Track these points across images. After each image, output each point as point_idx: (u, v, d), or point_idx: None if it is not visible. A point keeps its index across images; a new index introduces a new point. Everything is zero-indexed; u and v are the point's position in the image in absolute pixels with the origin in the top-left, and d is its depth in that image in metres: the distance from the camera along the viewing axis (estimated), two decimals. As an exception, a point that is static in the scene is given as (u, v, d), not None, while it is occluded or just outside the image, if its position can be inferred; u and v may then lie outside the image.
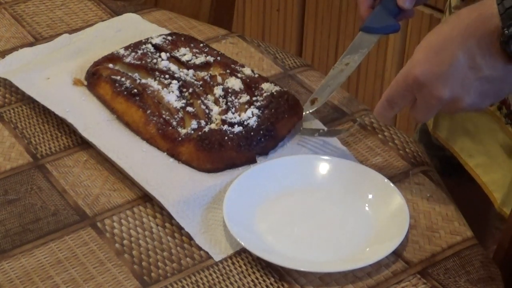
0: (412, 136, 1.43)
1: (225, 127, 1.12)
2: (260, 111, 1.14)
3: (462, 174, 1.34)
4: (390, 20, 1.16)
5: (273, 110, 1.13)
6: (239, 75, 1.22)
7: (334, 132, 1.18)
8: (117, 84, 1.20)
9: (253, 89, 1.19)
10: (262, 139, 1.12)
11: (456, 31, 0.96)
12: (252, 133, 1.11)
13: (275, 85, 1.21)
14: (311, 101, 1.18)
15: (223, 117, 1.13)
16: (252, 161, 1.11)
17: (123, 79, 1.21)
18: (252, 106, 1.14)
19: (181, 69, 1.23)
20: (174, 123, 1.14)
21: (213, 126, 1.14)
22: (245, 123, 1.12)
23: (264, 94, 1.16)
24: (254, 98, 1.16)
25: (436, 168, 1.19)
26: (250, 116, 1.13)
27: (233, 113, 1.14)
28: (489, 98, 1.00)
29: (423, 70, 0.97)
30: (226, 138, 1.10)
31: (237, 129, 1.11)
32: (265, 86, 1.19)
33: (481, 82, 0.97)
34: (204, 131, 1.11)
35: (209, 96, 1.19)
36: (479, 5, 0.97)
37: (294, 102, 1.16)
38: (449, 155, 1.36)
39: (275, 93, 1.16)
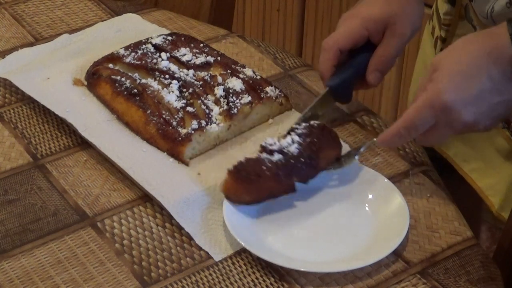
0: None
1: (264, 155, 1.05)
2: (301, 139, 1.07)
3: (453, 172, 1.34)
4: (350, 89, 1.18)
5: (315, 139, 1.08)
6: (240, 75, 1.22)
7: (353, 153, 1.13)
8: (117, 84, 1.20)
9: (258, 91, 1.19)
10: (304, 167, 1.05)
11: (480, 59, 1.00)
12: (292, 160, 1.05)
13: (278, 88, 1.21)
14: None
15: (262, 143, 1.07)
16: (292, 190, 1.05)
17: (123, 79, 1.21)
18: (292, 133, 1.08)
19: (181, 69, 1.23)
20: (174, 123, 1.14)
21: (214, 126, 1.14)
22: (285, 150, 1.06)
23: (303, 125, 1.10)
24: (293, 126, 1.10)
25: None
26: (290, 142, 1.07)
27: (272, 139, 1.07)
28: (501, 119, 1.06)
29: (452, 96, 1.00)
30: (264, 167, 1.04)
31: (276, 156, 1.05)
32: (269, 89, 1.20)
33: (501, 106, 1.01)
34: (241, 161, 1.05)
35: (209, 96, 1.19)
36: (493, 34, 1.01)
37: (335, 136, 1.11)
38: (439, 156, 1.36)
39: (315, 125, 1.10)
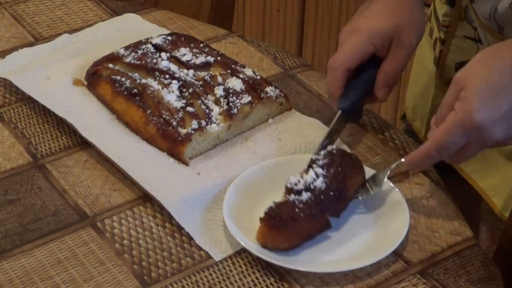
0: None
1: (292, 196, 1.02)
2: (325, 170, 1.05)
3: (453, 172, 1.34)
4: (361, 108, 1.17)
5: (339, 168, 1.05)
6: (240, 75, 1.22)
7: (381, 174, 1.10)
8: (117, 84, 1.20)
9: (258, 91, 1.19)
10: (334, 200, 1.03)
11: (504, 74, 0.99)
12: (322, 196, 1.02)
13: (278, 88, 1.21)
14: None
15: (287, 185, 1.03)
16: (328, 226, 1.02)
17: (123, 79, 1.21)
18: (314, 166, 1.05)
19: (181, 69, 1.23)
20: (174, 123, 1.14)
21: (214, 126, 1.14)
22: (312, 186, 1.03)
23: (322, 153, 1.08)
24: (314, 157, 1.07)
25: None
26: (314, 177, 1.04)
27: (295, 178, 1.04)
28: None
29: (483, 116, 0.98)
30: (296, 210, 1.00)
31: (305, 196, 1.02)
32: (269, 89, 1.20)
33: None
34: (271, 207, 1.01)
35: (209, 96, 1.19)
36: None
37: (357, 160, 1.08)
38: None
39: (335, 152, 1.07)
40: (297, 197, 1.02)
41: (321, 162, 1.06)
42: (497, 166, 1.28)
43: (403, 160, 1.07)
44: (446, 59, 1.31)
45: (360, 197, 1.07)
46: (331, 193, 1.02)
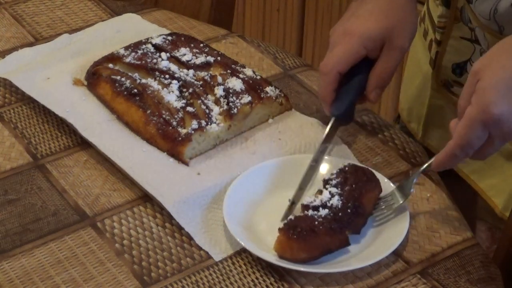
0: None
1: (310, 212, 1.01)
2: (339, 189, 1.04)
3: (453, 172, 1.34)
4: (353, 111, 1.16)
5: (353, 186, 1.04)
6: (240, 75, 1.22)
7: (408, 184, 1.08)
8: (117, 84, 1.20)
9: (258, 91, 1.19)
10: (353, 217, 1.02)
11: None
12: (340, 214, 1.01)
13: (278, 88, 1.21)
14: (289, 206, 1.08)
15: (304, 203, 1.03)
16: (347, 243, 1.01)
17: (123, 79, 1.21)
18: (327, 186, 1.05)
19: (181, 69, 1.23)
20: (174, 123, 1.14)
21: (214, 126, 1.14)
22: (328, 204, 1.02)
23: (335, 172, 1.07)
24: (326, 177, 1.06)
25: None
26: (329, 196, 1.03)
27: (310, 198, 1.04)
28: None
29: (501, 108, 0.96)
30: (316, 223, 1.00)
31: (323, 212, 1.01)
32: (269, 89, 1.20)
33: None
34: (290, 219, 1.01)
35: (209, 96, 1.19)
36: None
37: (370, 174, 1.07)
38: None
39: (347, 168, 1.07)
40: (315, 212, 1.01)
41: (334, 182, 1.05)
42: (497, 166, 1.28)
43: (431, 162, 1.04)
44: (443, 60, 1.31)
45: (386, 211, 1.06)
46: (349, 210, 1.02)
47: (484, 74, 0.97)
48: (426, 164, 1.06)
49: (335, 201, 1.02)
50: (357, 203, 1.02)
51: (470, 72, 1.00)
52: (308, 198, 1.04)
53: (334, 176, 1.06)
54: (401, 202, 1.05)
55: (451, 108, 1.33)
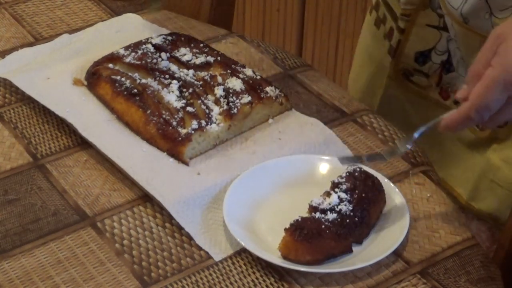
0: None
1: (318, 214, 1.01)
2: (349, 195, 1.03)
3: None
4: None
5: (363, 195, 1.03)
6: (240, 75, 1.22)
7: (374, 157, 1.10)
8: (117, 84, 1.20)
9: (258, 91, 1.19)
10: (358, 226, 1.01)
11: None
12: (347, 220, 1.01)
13: (278, 88, 1.21)
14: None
15: (312, 203, 1.03)
16: (350, 250, 1.01)
17: (123, 79, 1.21)
18: (337, 190, 1.04)
19: (181, 69, 1.23)
20: (174, 123, 1.14)
21: (214, 126, 1.14)
22: (337, 208, 1.01)
23: (344, 175, 1.06)
24: (336, 181, 1.05)
25: None
26: (338, 201, 1.02)
27: (318, 199, 1.03)
28: None
29: None
30: (323, 226, 0.99)
31: (330, 216, 1.00)
32: (269, 89, 1.20)
33: None
34: (297, 219, 1.00)
35: (209, 96, 1.19)
36: None
37: (379, 184, 1.07)
38: None
39: (356, 174, 1.06)
40: (322, 215, 1.01)
41: (344, 186, 1.04)
42: (458, 155, 1.26)
43: (440, 118, 1.00)
44: (405, 48, 1.29)
45: (386, 158, 1.06)
46: (356, 218, 1.01)
47: (508, 37, 0.95)
48: (433, 121, 1.01)
49: (344, 207, 1.01)
50: (365, 213, 1.02)
51: (490, 37, 0.97)
52: (316, 199, 1.03)
53: (344, 180, 1.05)
54: (402, 150, 1.05)
55: (408, 97, 1.32)
